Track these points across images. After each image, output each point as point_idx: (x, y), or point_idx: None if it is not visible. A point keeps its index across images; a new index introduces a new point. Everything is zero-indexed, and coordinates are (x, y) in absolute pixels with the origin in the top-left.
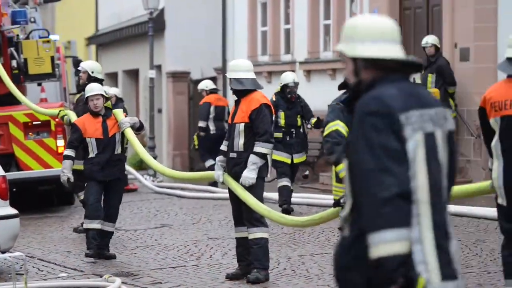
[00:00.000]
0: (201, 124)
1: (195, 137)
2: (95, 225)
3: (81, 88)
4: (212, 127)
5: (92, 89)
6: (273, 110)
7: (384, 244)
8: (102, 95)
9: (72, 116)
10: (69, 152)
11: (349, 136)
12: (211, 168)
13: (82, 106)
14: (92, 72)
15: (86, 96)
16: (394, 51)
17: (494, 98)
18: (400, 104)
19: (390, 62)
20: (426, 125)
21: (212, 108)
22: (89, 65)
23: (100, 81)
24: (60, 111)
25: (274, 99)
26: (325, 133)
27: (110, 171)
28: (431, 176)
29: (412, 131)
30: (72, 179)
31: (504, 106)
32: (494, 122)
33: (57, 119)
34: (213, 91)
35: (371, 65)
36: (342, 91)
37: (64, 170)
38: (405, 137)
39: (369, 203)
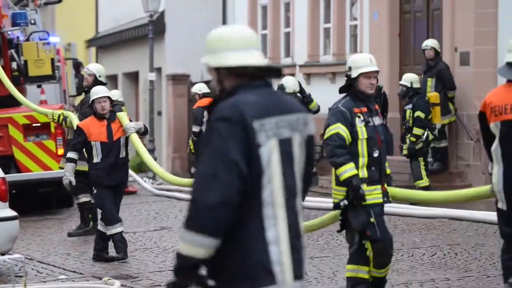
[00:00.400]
0: (195, 129)
1: (190, 141)
2: (118, 228)
3: (81, 90)
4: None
5: (98, 91)
6: None
7: (190, 244)
8: (108, 97)
9: (74, 119)
10: (72, 155)
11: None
12: None
13: (87, 109)
14: (100, 76)
15: (92, 99)
16: (253, 58)
17: (494, 102)
18: (256, 111)
19: (249, 69)
20: (283, 131)
21: (205, 113)
22: (97, 68)
23: (104, 85)
24: (59, 115)
25: None
26: (326, 136)
27: (116, 175)
28: (285, 180)
29: (266, 138)
30: (74, 183)
31: (504, 111)
32: (494, 127)
33: (52, 120)
34: (206, 95)
35: (233, 73)
36: (343, 94)
37: (66, 173)
38: (258, 143)
39: (193, 203)
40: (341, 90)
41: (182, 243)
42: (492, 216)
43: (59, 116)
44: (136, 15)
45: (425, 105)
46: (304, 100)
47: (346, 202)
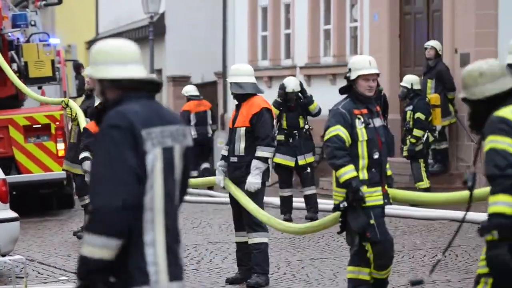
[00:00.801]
0: None
1: None
2: None
3: (82, 91)
4: (193, 132)
5: None
6: (273, 114)
7: (93, 247)
8: None
9: (81, 117)
10: (87, 154)
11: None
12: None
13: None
14: None
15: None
16: (134, 71)
17: None
18: (142, 120)
19: (131, 82)
20: (166, 140)
21: (192, 116)
22: None
23: None
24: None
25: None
26: (326, 137)
27: None
28: (166, 187)
29: (152, 146)
30: None
31: None
32: None
33: (64, 108)
34: (192, 98)
35: (115, 85)
36: (343, 95)
37: (87, 170)
38: (145, 150)
39: (96, 208)
40: (341, 91)
41: (88, 247)
42: None
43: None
44: (136, 16)
45: (425, 106)
46: (304, 101)
47: (345, 204)
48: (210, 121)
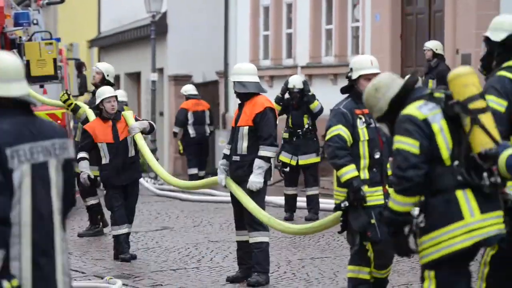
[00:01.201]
0: (175, 129)
1: (179, 142)
2: (124, 229)
3: (84, 90)
4: (191, 131)
5: (105, 92)
6: (276, 114)
7: None
8: (116, 96)
9: (90, 114)
10: (83, 154)
11: None
12: (193, 177)
13: (93, 110)
14: (108, 75)
15: (101, 98)
16: (8, 90)
17: None
18: (9, 138)
19: (3, 99)
20: (37, 156)
21: (189, 114)
22: (105, 67)
23: (111, 85)
24: (72, 103)
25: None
26: (327, 137)
27: (127, 174)
28: (35, 201)
29: (18, 163)
30: (92, 175)
31: None
32: None
33: (66, 108)
34: (190, 97)
35: None
36: (345, 95)
37: (82, 169)
38: (11, 168)
39: None
40: (342, 91)
41: None
42: None
43: (71, 104)
44: (138, 15)
45: None
46: (304, 100)
47: (347, 203)
48: (208, 121)
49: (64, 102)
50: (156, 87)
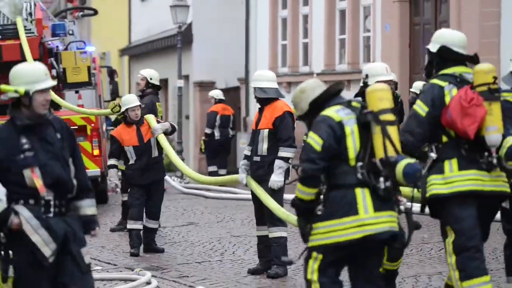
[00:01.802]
0: (207, 130)
1: (201, 141)
2: (138, 225)
3: (115, 95)
4: (217, 134)
5: (130, 101)
6: (294, 117)
7: None
8: (140, 105)
9: (151, 119)
10: (112, 162)
11: None
12: (212, 174)
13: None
14: (151, 79)
15: (126, 107)
16: None
17: None
18: None
19: None
20: None
21: (218, 117)
22: (148, 72)
23: (157, 87)
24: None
25: None
26: None
27: (150, 174)
28: None
29: None
30: (119, 185)
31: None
32: None
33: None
34: (220, 101)
35: None
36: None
37: (110, 178)
38: None
39: None
40: (357, 96)
41: None
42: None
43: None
44: (166, 26)
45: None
46: None
47: None
48: (231, 125)
49: (117, 112)
50: (182, 93)
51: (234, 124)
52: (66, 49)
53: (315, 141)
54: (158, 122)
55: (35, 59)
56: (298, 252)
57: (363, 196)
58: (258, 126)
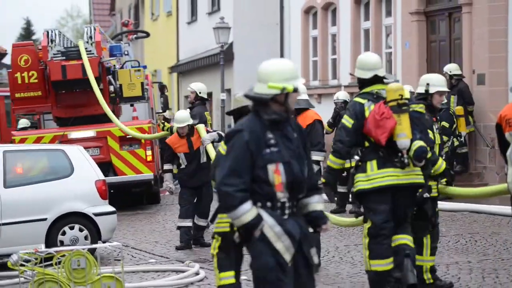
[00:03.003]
0: None
1: None
2: (187, 223)
3: (166, 108)
4: None
5: (179, 121)
6: (324, 125)
7: None
8: (188, 125)
9: (201, 129)
10: (167, 166)
11: None
12: None
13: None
14: (200, 92)
15: (176, 126)
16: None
17: (508, 115)
18: None
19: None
20: None
21: None
22: (197, 86)
23: (205, 100)
24: (168, 127)
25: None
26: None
27: (198, 178)
28: None
29: None
30: (173, 189)
31: None
32: (509, 136)
33: (162, 129)
34: None
35: None
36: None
37: (166, 182)
38: None
39: None
40: (419, 99)
41: None
42: (506, 209)
43: (168, 128)
44: (210, 46)
45: (449, 116)
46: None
47: (428, 194)
48: None
49: (162, 129)
50: (224, 105)
51: None
52: (122, 67)
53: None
54: (207, 131)
55: (95, 77)
56: (330, 245)
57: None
58: None
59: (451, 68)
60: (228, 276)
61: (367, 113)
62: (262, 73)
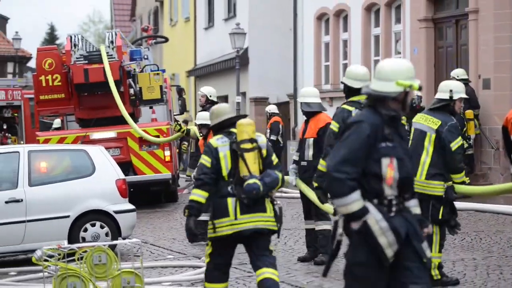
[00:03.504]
0: (273, 137)
1: None
2: (204, 218)
3: (184, 110)
4: (281, 141)
5: (199, 118)
6: None
7: None
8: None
9: (197, 130)
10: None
11: None
12: None
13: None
14: (210, 96)
15: (199, 123)
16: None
17: None
18: None
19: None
20: None
21: (280, 126)
22: (207, 90)
23: (215, 103)
24: (184, 129)
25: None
26: (455, 148)
27: None
28: None
29: None
30: None
31: None
32: None
33: (178, 130)
34: (275, 114)
35: None
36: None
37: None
38: None
39: None
40: (435, 107)
41: None
42: (510, 208)
43: (184, 130)
44: (226, 51)
45: (460, 120)
46: None
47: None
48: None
49: (178, 131)
50: (240, 107)
51: (283, 132)
52: (141, 71)
53: (206, 160)
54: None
55: (115, 80)
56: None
57: (233, 203)
58: (304, 135)
59: (458, 73)
60: None
61: None
62: (386, 71)
